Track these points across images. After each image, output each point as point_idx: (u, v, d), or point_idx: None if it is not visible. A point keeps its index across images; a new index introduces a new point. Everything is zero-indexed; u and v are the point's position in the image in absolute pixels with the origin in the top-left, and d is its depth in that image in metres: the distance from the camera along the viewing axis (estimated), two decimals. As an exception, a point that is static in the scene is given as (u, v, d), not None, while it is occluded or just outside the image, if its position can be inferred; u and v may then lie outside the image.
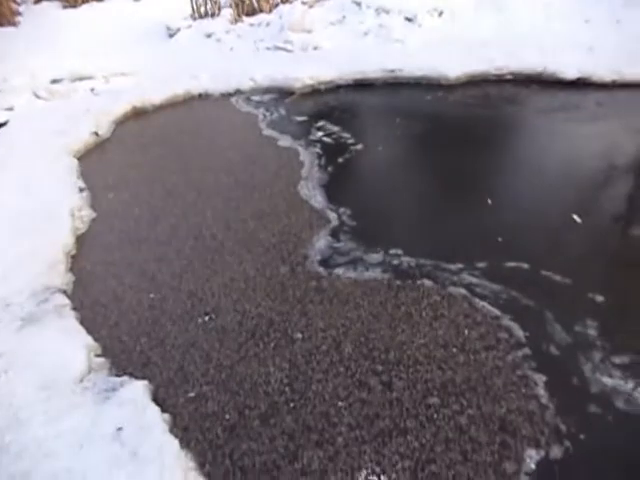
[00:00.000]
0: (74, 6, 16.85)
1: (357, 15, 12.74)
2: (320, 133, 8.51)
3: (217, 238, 6.05)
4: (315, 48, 12.22)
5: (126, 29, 14.89)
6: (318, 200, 6.59)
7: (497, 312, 4.71)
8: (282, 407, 3.92)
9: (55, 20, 15.95)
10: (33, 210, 6.56)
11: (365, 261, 5.44)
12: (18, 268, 5.49)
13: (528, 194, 6.53)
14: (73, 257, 5.93)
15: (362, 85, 10.47)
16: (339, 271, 5.33)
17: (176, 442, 3.70)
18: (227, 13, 14.56)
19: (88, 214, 6.80)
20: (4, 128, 9.56)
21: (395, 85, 10.36)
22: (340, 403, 3.92)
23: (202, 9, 14.93)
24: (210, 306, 5.02)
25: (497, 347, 4.37)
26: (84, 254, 6.00)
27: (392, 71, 10.48)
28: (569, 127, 8.25)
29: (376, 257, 5.49)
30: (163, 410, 3.96)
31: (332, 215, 6.26)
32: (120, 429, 3.77)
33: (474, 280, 5.09)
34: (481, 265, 5.27)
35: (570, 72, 9.91)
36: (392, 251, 5.54)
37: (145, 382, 4.20)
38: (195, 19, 14.91)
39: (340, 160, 7.59)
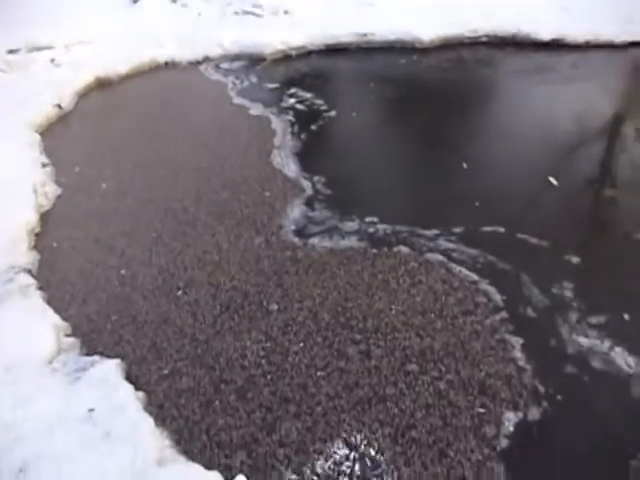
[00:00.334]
0: (29, -29, 15.92)
1: (328, -23, 12.30)
2: (292, 100, 8.27)
3: (188, 210, 5.86)
4: (286, 12, 11.79)
5: (86, -5, 14.14)
6: (292, 169, 6.42)
7: (475, 277, 4.69)
8: (259, 380, 3.85)
9: (9, -14, 15.05)
10: (-8, 187, 6.24)
11: (341, 230, 5.34)
12: (-22, 248, 5.24)
13: (504, 157, 6.47)
14: (37, 235, 5.67)
15: (335, 50, 10.17)
16: (314, 241, 5.22)
17: (151, 420, 3.60)
18: (193, -23, 13.92)
19: (52, 190, 6.50)
20: (-42, 102, 9.05)
21: (368, 49, 10.10)
22: (318, 373, 3.86)
23: (166, -27, 14.23)
24: (183, 280, 4.87)
25: (475, 312, 4.35)
26: (49, 231, 5.75)
27: (365, 35, 10.20)
28: (544, 89, 8.17)
29: (352, 225, 5.39)
30: (137, 388, 3.85)
31: (306, 184, 6.11)
32: (92, 410, 3.65)
33: (451, 245, 5.04)
34: (458, 230, 5.22)
35: (544, 33, 9.79)
36: (368, 219, 5.45)
37: (117, 360, 4.07)
38: (159, -17, 14.22)
39: (313, 127, 7.40)
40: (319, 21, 10.85)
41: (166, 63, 10.46)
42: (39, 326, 4.37)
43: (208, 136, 7.45)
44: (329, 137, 7.30)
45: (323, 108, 7.91)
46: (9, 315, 4.48)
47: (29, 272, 5.05)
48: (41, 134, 7.84)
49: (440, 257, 4.90)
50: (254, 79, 9.31)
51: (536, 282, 4.59)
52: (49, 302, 4.69)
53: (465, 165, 6.26)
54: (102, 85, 9.72)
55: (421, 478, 3.21)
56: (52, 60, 10.52)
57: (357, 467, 3.29)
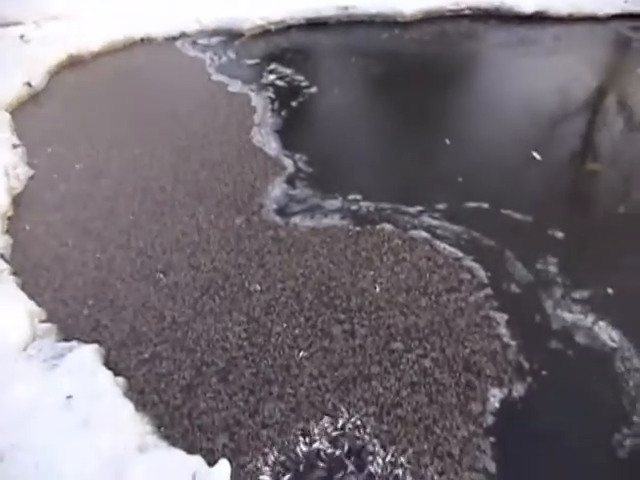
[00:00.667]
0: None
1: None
2: (272, 76, 8.06)
3: (166, 191, 5.70)
4: (264, -14, 11.46)
5: (56, -32, 13.57)
6: (272, 147, 6.27)
7: (459, 253, 4.64)
8: (241, 362, 3.77)
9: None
10: (-40, 170, 5.99)
11: (323, 208, 5.24)
12: (-53, 233, 5.05)
13: (487, 132, 6.40)
14: (9, 219, 5.47)
15: (315, 24, 9.93)
16: (296, 219, 5.12)
17: (131, 406, 3.51)
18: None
19: (24, 172, 6.27)
20: None
21: (349, 23, 9.89)
22: (301, 354, 3.80)
23: (139, -55, 13.70)
24: (162, 263, 4.75)
25: (459, 289, 4.31)
26: (22, 215, 5.55)
27: (346, 8, 9.96)
28: (527, 62, 8.08)
29: (334, 203, 5.29)
30: (116, 374, 3.75)
31: (287, 162, 5.98)
32: (70, 397, 3.55)
33: (435, 222, 4.98)
34: (441, 207, 5.16)
35: (528, 6, 9.67)
36: (351, 196, 5.35)
37: (95, 346, 3.96)
38: (132, -44, 13.70)
39: (294, 104, 7.23)
40: (299, -6, 10.57)
41: (141, 39, 10.14)
42: (13, 312, 4.22)
43: (186, 114, 7.24)
44: (310, 114, 7.15)
45: (304, 84, 7.73)
46: (-19, 302, 4.33)
47: (1, 257, 4.88)
48: (11, 114, 7.55)
49: (424, 234, 4.84)
50: (232, 55, 9.07)
51: (520, 258, 4.56)
52: (23, 287, 4.54)
53: (448, 141, 6.18)
54: (75, 63, 9.38)
55: (407, 455, 3.19)
56: (21, 36, 10.12)
57: (342, 447, 3.25)
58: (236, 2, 10.72)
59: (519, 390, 3.55)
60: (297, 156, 6.06)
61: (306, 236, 4.89)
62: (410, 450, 3.21)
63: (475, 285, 4.32)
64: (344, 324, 4.02)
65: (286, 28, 9.97)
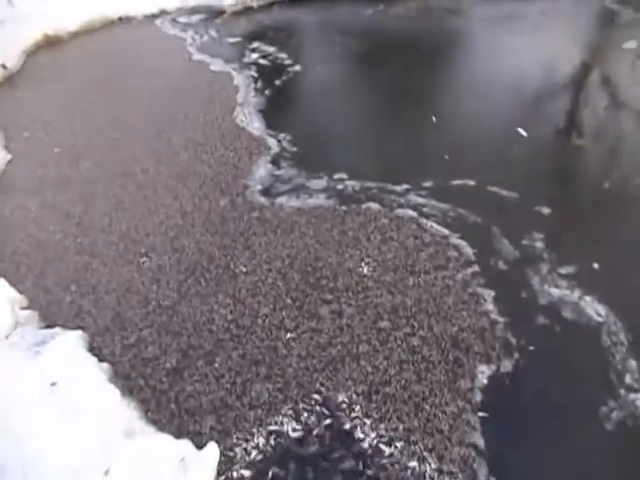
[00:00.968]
0: None
1: None
2: (255, 55, 7.90)
3: (148, 173, 5.58)
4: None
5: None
6: (256, 126, 6.16)
7: (446, 231, 4.61)
8: (227, 344, 3.73)
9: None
10: None
11: (308, 188, 5.17)
12: None
13: (473, 109, 6.34)
14: (-13, 204, 5.34)
15: (298, 1, 9.72)
16: (282, 200, 5.04)
17: (117, 391, 3.45)
18: None
19: (1, 156, 6.10)
20: None
21: (333, 0, 9.69)
22: (289, 335, 3.76)
23: None
24: (145, 246, 4.66)
25: (447, 267, 4.29)
26: (0, 200, 5.41)
27: (329, -16, 9.76)
28: (513, 38, 8.00)
29: (320, 183, 5.22)
30: (101, 360, 3.69)
31: (272, 141, 5.88)
32: (54, 384, 3.48)
33: (421, 200, 4.94)
34: (428, 185, 5.11)
35: (513, -19, 9.52)
36: (336, 176, 5.28)
37: (79, 332, 3.88)
38: None
39: (277, 83, 7.10)
40: (280, -30, 10.32)
41: (120, 18, 9.88)
42: (-7, 300, 4.14)
43: (167, 95, 7.08)
44: (294, 92, 7.03)
45: (287, 62, 7.59)
46: (-41, 290, 4.22)
47: (-21, 244, 4.76)
48: (-15, 97, 7.33)
49: (410, 212, 4.80)
50: (214, 33, 8.86)
51: (507, 234, 4.54)
52: (3, 274, 4.43)
53: (434, 118, 6.11)
54: (51, 43, 9.12)
55: (397, 432, 3.19)
56: (-6, 16, 9.76)
57: (331, 426, 3.24)
58: (216, -21, 10.46)
59: (507, 366, 3.55)
60: (281, 136, 5.97)
61: (292, 216, 4.83)
62: (400, 427, 3.21)
63: (462, 263, 4.31)
64: (331, 304, 3.99)
65: (269, 5, 9.76)
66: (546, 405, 3.36)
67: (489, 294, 4.04)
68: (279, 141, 5.88)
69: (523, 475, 3.04)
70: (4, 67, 8.11)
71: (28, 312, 4.17)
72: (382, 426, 3.22)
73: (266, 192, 5.16)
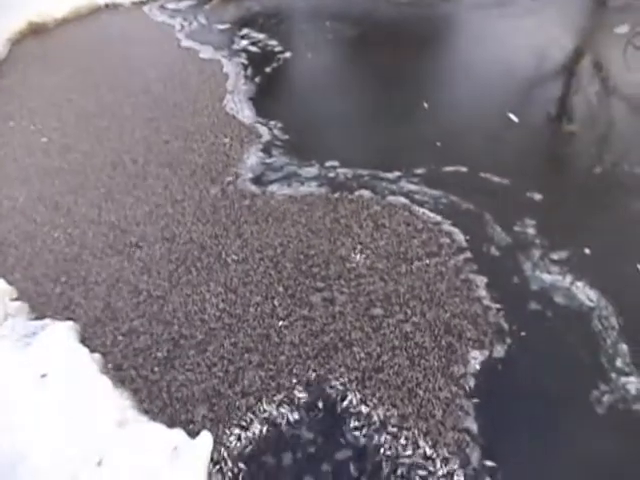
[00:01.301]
0: None
1: None
2: (244, 42, 7.80)
3: (138, 162, 5.51)
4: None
5: None
6: (246, 114, 6.10)
7: (438, 218, 4.60)
8: (219, 333, 3.71)
9: None
10: None
11: (300, 176, 5.13)
12: None
13: (465, 95, 6.30)
14: (-27, 196, 5.26)
15: (288, -13, 9.60)
16: (273, 188, 5.01)
17: (109, 382, 3.43)
18: None
19: (-13, 147, 6.01)
20: None
21: (323, -15, 9.57)
22: (281, 323, 3.75)
23: None
24: (135, 236, 4.61)
25: (439, 253, 4.28)
26: (-14, 191, 5.34)
27: (319, -30, 9.61)
28: (504, 23, 7.95)
29: (311, 171, 5.18)
30: (92, 350, 3.65)
31: (262, 129, 5.82)
32: (44, 376, 3.45)
33: (413, 187, 4.92)
34: (420, 171, 5.09)
35: (504, -35, 9.43)
36: (328, 163, 5.25)
37: (70, 323, 3.84)
38: None
39: (268, 70, 7.02)
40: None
41: (106, 5, 9.70)
42: (-19, 291, 4.09)
43: (156, 83, 6.98)
44: (285, 80, 6.96)
45: (277, 49, 7.50)
46: (-54, 282, 4.17)
47: (-34, 235, 4.70)
48: (-30, 86, 7.20)
49: (403, 200, 4.78)
50: (203, 20, 8.73)
51: (499, 221, 4.54)
52: (-9, 266, 4.39)
53: (425, 104, 6.07)
54: (37, 31, 8.94)
55: (391, 418, 3.19)
56: (-23, 4, 9.56)
57: (324, 412, 3.24)
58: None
59: (499, 351, 3.56)
60: (272, 123, 5.91)
61: (283, 205, 4.79)
62: (394, 413, 3.21)
63: (454, 249, 4.30)
64: (323, 292, 3.97)
65: (258, -9, 9.62)
66: (538, 390, 3.38)
67: (481, 280, 4.05)
68: (270, 129, 5.83)
69: (516, 459, 3.06)
70: (-11, 56, 7.95)
71: (18, 303, 4.12)
72: (376, 412, 3.23)
73: (257, 180, 5.12)
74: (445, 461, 3.00)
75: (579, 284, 3.99)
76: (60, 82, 7.32)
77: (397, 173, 5.07)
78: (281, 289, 4.01)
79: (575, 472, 2.99)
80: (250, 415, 3.23)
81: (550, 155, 5.64)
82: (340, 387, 3.36)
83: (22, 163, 5.67)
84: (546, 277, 4.06)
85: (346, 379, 3.40)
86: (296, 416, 3.22)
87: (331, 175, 5.11)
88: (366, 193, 4.86)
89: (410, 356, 3.53)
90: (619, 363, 3.48)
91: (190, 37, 8.11)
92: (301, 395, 3.32)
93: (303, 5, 9.21)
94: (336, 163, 5.24)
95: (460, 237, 4.40)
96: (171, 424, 3.15)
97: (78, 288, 4.18)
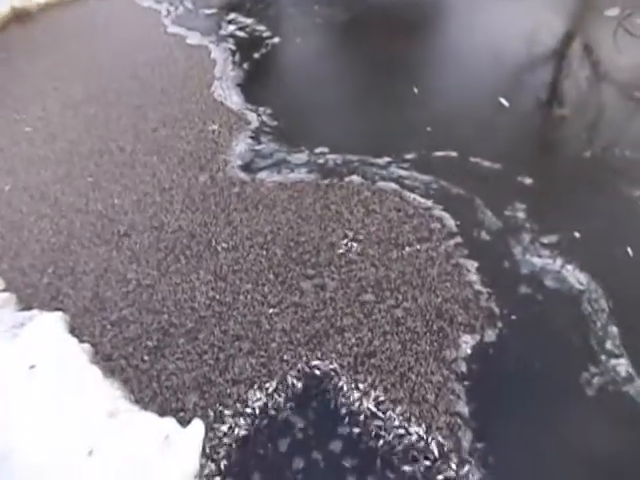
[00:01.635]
0: None
1: None
2: (232, 27, 7.66)
3: (125, 151, 5.43)
4: None
5: None
6: (235, 101, 6.01)
7: (429, 203, 4.58)
8: (209, 321, 3.69)
9: None
10: None
11: (290, 162, 5.08)
12: None
13: (455, 80, 6.24)
14: (-43, 185, 5.16)
15: (275, -29, 9.42)
16: (263, 175, 4.96)
17: (99, 372, 3.41)
18: None
19: (-30, 136, 5.90)
20: None
21: (312, -31, 9.41)
22: (271, 310, 3.73)
23: None
24: (123, 225, 4.56)
25: (430, 238, 4.27)
26: (-30, 182, 5.25)
27: (307, -47, 9.45)
28: (495, 8, 7.86)
29: (301, 157, 5.13)
30: (81, 340, 3.63)
31: (251, 116, 5.75)
32: (33, 367, 3.42)
33: (404, 173, 4.89)
34: (410, 157, 5.06)
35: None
36: (317, 150, 5.20)
37: (59, 313, 3.81)
38: None
39: (256, 56, 6.91)
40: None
41: (91, -10, 9.48)
42: (-33, 283, 4.04)
43: (143, 69, 6.85)
44: (273, 65, 6.86)
45: (265, 35, 7.37)
46: None
47: (-49, 226, 4.62)
48: (-49, 74, 7.05)
49: (393, 185, 4.75)
50: (189, 5, 8.55)
51: (489, 205, 4.53)
52: (-23, 257, 4.32)
53: (416, 89, 6.02)
54: (20, 17, 8.72)
55: (384, 403, 3.20)
56: (-43, -10, 9.34)
57: (317, 399, 3.24)
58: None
59: (490, 335, 3.57)
60: (261, 110, 5.84)
61: (273, 192, 4.75)
62: (387, 397, 3.22)
63: (445, 234, 4.29)
64: (314, 278, 3.95)
65: (245, -25, 9.44)
66: (529, 373, 3.40)
67: (472, 265, 4.04)
68: (259, 115, 5.75)
69: (507, 442, 3.08)
70: (-29, 43, 7.77)
71: (6, 295, 4.08)
72: (368, 397, 3.23)
73: (246, 167, 5.06)
74: (438, 444, 3.01)
75: (569, 267, 3.99)
76: (45, 70, 7.17)
77: (387, 159, 5.03)
78: (271, 276, 3.98)
79: (565, 453, 3.02)
80: (242, 402, 3.22)
81: (541, 139, 5.61)
82: (332, 373, 3.35)
83: (7, 153, 5.58)
84: (536, 261, 4.06)
85: (338, 365, 3.40)
86: (288, 403, 3.22)
87: (321, 161, 5.07)
88: (356, 179, 4.83)
89: (402, 341, 3.53)
90: (609, 345, 3.50)
91: (176, 23, 7.96)
92: (292, 382, 3.32)
93: (291, -11, 9.06)
94: (326, 149, 5.19)
95: (451, 222, 4.39)
96: (162, 413, 3.14)
97: (66, 278, 4.14)
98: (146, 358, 3.51)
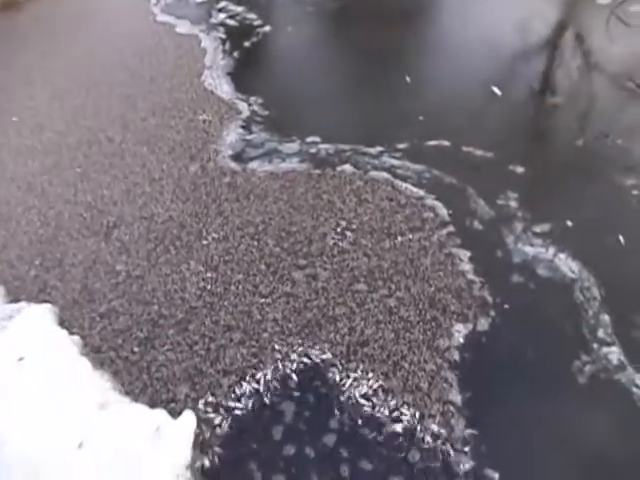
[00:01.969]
0: None
1: None
2: (222, 15, 7.55)
3: (114, 141, 5.36)
4: None
5: None
6: (225, 90, 5.93)
7: (421, 193, 4.55)
8: (200, 311, 3.65)
9: None
10: None
11: (281, 152, 5.03)
12: None
13: (447, 69, 6.19)
14: (-58, 177, 5.08)
15: (266, -41, 9.30)
16: (254, 165, 4.90)
17: (88, 364, 3.38)
18: None
19: (-44, 127, 5.80)
20: None
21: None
22: (262, 300, 3.70)
23: None
24: (112, 216, 4.50)
25: (423, 228, 4.25)
26: (-44, 173, 5.16)
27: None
28: (487, -4, 7.81)
29: (292, 147, 5.08)
30: (70, 333, 3.59)
31: (242, 105, 5.68)
32: (22, 359, 3.38)
33: (396, 162, 4.85)
34: (402, 146, 5.02)
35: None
36: (309, 139, 5.14)
37: (47, 306, 3.77)
38: None
39: (247, 44, 6.82)
40: None
41: (77, -21, 9.32)
42: (-47, 275, 3.98)
43: (132, 59, 6.75)
44: (264, 54, 6.78)
45: (256, 23, 7.27)
46: None
47: (-64, 218, 4.54)
48: (-64, 64, 6.91)
49: (385, 174, 4.72)
50: (179, -7, 8.44)
51: (482, 194, 4.51)
52: (-37, 249, 4.25)
53: (408, 78, 5.97)
54: (7, 5, 8.56)
55: (377, 391, 3.19)
56: (-59, -22, 9.16)
57: (309, 388, 3.22)
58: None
59: (483, 324, 3.57)
60: (252, 99, 5.77)
61: (264, 181, 4.70)
62: (380, 386, 3.21)
63: (438, 223, 4.27)
64: (306, 268, 3.92)
65: (235, -37, 9.31)
66: (521, 361, 3.40)
67: (465, 254, 4.03)
68: (250, 105, 5.68)
69: (500, 429, 3.08)
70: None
71: (-8, 287, 4.02)
72: (361, 386, 3.22)
73: (237, 157, 5.01)
74: (431, 433, 3.01)
75: (561, 256, 3.99)
76: (32, 59, 7.06)
77: (379, 148, 4.99)
78: (263, 266, 3.95)
79: (557, 441, 3.02)
80: (233, 393, 3.19)
81: (533, 128, 5.59)
82: (325, 362, 3.33)
83: (-7, 143, 5.49)
84: (529, 250, 4.05)
85: (330, 354, 3.38)
86: (279, 392, 3.20)
87: (313, 151, 5.02)
88: (348, 168, 4.79)
89: (395, 330, 3.52)
90: (601, 334, 3.50)
91: (166, 11, 7.83)
92: (284, 371, 3.29)
93: (282, -23, 8.95)
94: (317, 139, 5.14)
95: (443, 211, 4.37)
96: (153, 404, 3.11)
97: (54, 270, 4.09)
98: (136, 349, 3.48)
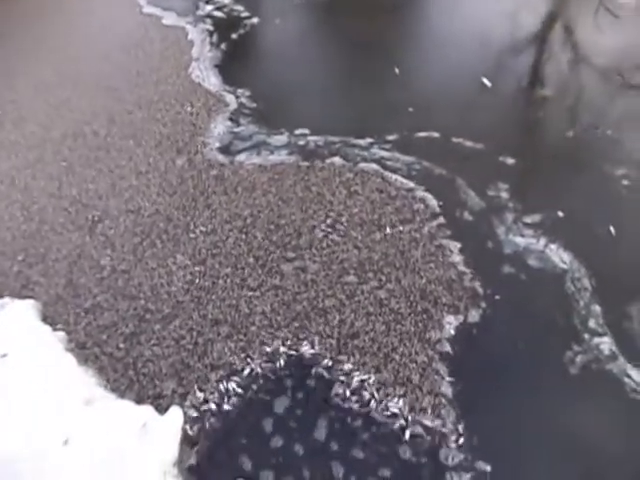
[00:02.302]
0: None
1: None
2: (209, 7, 7.45)
3: (99, 134, 5.25)
4: None
5: None
6: (213, 82, 5.84)
7: (411, 184, 4.51)
8: (187, 306, 3.58)
9: None
10: None
11: (269, 144, 4.96)
12: None
13: (437, 60, 6.15)
14: None
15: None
16: (242, 157, 4.83)
17: (73, 360, 3.31)
18: None
19: (-64, 121, 5.66)
20: None
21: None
22: (251, 293, 3.64)
23: None
24: (98, 210, 4.41)
25: (413, 220, 4.20)
26: (-64, 168, 5.03)
27: None
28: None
29: (281, 139, 5.01)
30: (55, 328, 3.51)
31: (230, 97, 5.59)
32: (4, 356, 3.30)
33: (386, 154, 4.81)
34: (392, 138, 4.97)
35: None
36: (298, 131, 5.08)
37: (31, 301, 3.69)
38: None
39: (234, 36, 6.73)
40: None
41: (61, -30, 9.15)
42: None
43: (117, 51, 6.63)
44: (252, 46, 6.69)
45: (244, 15, 7.18)
46: None
47: None
48: None
49: (375, 166, 4.67)
50: (165, -16, 8.31)
51: (472, 186, 4.48)
52: (-56, 245, 4.15)
53: (397, 70, 5.92)
54: (-13, -1, 8.40)
55: (371, 384, 3.14)
56: None
57: (299, 381, 3.18)
58: None
59: (474, 316, 3.54)
60: (240, 91, 5.69)
61: (253, 174, 4.63)
62: (371, 378, 3.18)
63: (428, 215, 4.23)
64: (295, 261, 3.87)
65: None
66: (513, 352, 3.38)
67: (455, 246, 4.00)
68: (237, 97, 5.60)
69: (491, 420, 3.05)
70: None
71: (-27, 284, 3.92)
72: (352, 379, 3.18)
73: (225, 150, 4.93)
74: (422, 426, 2.98)
75: (552, 247, 3.97)
76: (14, 51, 6.91)
77: (369, 140, 4.94)
78: (251, 260, 3.89)
79: (549, 431, 3.00)
80: (221, 387, 3.14)
81: (523, 120, 5.57)
82: (314, 355, 3.29)
83: (-25, 137, 5.37)
84: (520, 240, 4.03)
85: (321, 346, 3.33)
86: (268, 387, 3.15)
87: (301, 143, 4.96)
88: (338, 160, 4.73)
89: (386, 322, 3.48)
90: (592, 324, 3.49)
91: (152, 3, 7.70)
92: (273, 365, 3.24)
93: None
94: (306, 131, 5.08)
95: (434, 203, 4.33)
96: (139, 400, 3.05)
97: (37, 266, 4.00)
98: (122, 345, 3.41)
